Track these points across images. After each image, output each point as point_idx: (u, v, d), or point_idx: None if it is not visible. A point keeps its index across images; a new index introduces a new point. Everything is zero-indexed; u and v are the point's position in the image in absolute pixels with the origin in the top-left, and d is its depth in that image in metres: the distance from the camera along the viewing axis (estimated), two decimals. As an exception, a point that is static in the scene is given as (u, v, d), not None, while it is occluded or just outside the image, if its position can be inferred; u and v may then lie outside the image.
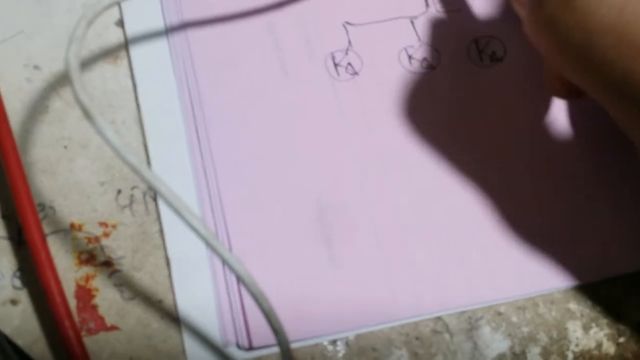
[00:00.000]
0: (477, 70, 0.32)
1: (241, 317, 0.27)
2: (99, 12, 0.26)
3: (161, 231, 0.28)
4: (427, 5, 0.33)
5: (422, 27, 0.32)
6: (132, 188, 0.28)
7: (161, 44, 0.30)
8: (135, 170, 0.22)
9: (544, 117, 0.31)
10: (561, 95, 0.29)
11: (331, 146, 0.30)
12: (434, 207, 0.29)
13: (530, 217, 0.30)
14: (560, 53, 0.25)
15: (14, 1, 0.30)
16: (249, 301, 0.26)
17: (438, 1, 0.33)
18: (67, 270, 0.27)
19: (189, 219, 0.22)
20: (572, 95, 0.28)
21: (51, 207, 0.28)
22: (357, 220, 0.29)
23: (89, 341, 0.26)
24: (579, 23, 0.23)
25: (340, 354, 0.27)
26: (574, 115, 0.31)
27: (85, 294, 0.27)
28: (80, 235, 0.28)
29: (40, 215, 0.27)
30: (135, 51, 0.30)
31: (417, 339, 0.28)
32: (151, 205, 0.28)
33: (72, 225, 0.28)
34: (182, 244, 0.28)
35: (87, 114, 0.22)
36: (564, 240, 0.30)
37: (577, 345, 0.29)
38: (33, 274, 0.26)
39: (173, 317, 0.27)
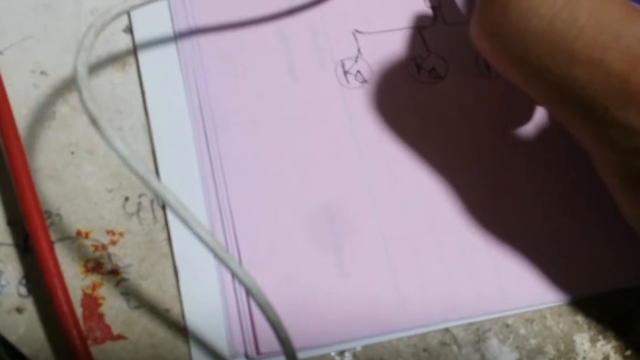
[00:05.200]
0: (485, 81, 0.32)
1: (250, 328, 0.27)
2: (107, 21, 0.25)
3: (169, 239, 0.28)
4: (435, 16, 0.33)
5: (431, 37, 0.32)
6: (140, 195, 0.28)
7: (170, 51, 0.30)
8: (143, 181, 0.22)
9: (549, 129, 0.31)
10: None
11: (340, 154, 0.30)
12: (443, 217, 0.29)
13: (539, 229, 0.30)
14: (502, 60, 0.26)
15: (22, 6, 0.30)
16: (257, 311, 0.26)
17: (447, 13, 0.33)
18: (73, 278, 0.27)
19: (198, 230, 0.22)
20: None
21: (58, 214, 0.28)
22: (365, 228, 0.29)
23: (95, 350, 0.26)
24: (516, 32, 0.24)
25: (348, 365, 0.27)
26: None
27: (91, 302, 0.27)
28: (87, 242, 0.27)
29: (47, 222, 0.27)
30: (144, 58, 0.30)
31: (424, 350, 0.28)
32: (159, 213, 0.28)
33: (78, 233, 0.27)
34: (189, 253, 0.27)
35: (95, 124, 0.22)
36: (573, 252, 0.30)
37: (584, 358, 0.29)
38: (39, 281, 0.26)
39: (180, 327, 0.27)
